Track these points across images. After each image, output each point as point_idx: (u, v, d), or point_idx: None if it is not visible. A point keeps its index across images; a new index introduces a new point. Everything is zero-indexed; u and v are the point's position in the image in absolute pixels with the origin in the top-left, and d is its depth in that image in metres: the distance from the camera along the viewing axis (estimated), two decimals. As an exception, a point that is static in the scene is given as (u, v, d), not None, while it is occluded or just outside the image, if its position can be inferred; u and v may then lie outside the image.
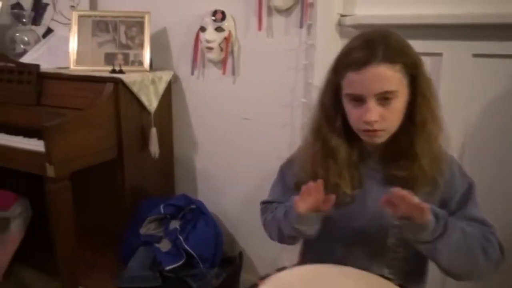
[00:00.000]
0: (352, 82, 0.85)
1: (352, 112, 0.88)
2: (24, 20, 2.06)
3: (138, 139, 1.77)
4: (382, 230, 0.92)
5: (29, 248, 1.82)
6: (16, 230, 1.68)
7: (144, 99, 1.73)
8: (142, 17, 1.81)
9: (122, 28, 1.80)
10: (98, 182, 1.75)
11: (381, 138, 0.88)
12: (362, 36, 0.89)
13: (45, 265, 1.82)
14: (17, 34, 2.05)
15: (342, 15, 1.58)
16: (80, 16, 1.80)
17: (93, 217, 1.78)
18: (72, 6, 2.06)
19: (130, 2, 1.94)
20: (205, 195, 1.97)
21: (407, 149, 0.88)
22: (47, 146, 1.39)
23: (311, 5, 1.57)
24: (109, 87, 1.62)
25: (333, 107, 0.92)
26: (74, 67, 1.76)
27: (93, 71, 1.73)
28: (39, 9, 2.16)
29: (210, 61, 1.82)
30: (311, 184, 0.86)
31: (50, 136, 1.38)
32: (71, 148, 1.47)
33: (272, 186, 1.14)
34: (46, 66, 1.85)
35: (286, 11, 1.64)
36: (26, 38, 2.06)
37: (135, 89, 1.67)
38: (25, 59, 1.91)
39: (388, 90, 0.83)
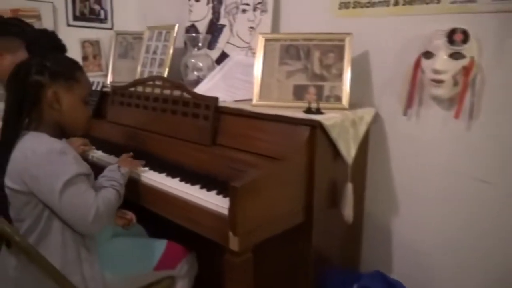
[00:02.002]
0: None
1: None
2: (199, 44, 1.87)
3: (329, 198, 1.37)
4: None
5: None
6: (180, 291, 1.43)
7: (342, 146, 1.32)
8: (342, 40, 1.42)
9: (316, 54, 1.43)
10: (274, 252, 1.39)
11: None
12: None
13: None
14: (192, 60, 1.87)
15: None
16: (267, 40, 1.49)
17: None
18: (251, 28, 1.79)
19: (318, 21, 1.57)
20: (404, 274, 1.47)
21: None
22: (233, 211, 1.07)
23: None
24: (305, 131, 1.25)
25: None
26: (257, 102, 1.45)
27: (279, 107, 1.39)
28: (214, 32, 1.96)
29: (435, 98, 1.33)
30: None
31: (239, 199, 1.05)
32: (260, 213, 1.12)
33: None
34: (222, 97, 1.59)
35: None
36: (200, 64, 1.86)
37: (334, 134, 1.27)
38: (199, 89, 1.69)
39: None
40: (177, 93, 1.64)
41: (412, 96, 1.36)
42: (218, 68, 1.80)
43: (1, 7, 1.99)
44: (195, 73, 1.88)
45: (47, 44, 1.26)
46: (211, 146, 1.48)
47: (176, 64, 1.98)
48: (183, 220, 1.26)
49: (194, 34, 1.95)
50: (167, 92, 1.70)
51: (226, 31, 1.92)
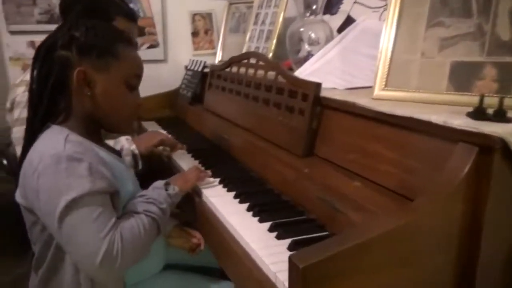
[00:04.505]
0: None
1: None
2: (314, 7, 1.33)
3: (507, 279, 0.71)
4: None
5: None
6: None
7: (548, 188, 0.64)
8: None
9: (505, 4, 0.76)
10: None
11: None
12: None
13: None
14: (301, 29, 1.34)
15: None
16: (408, -14, 0.87)
17: None
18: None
19: None
20: None
21: None
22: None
23: None
24: (468, 154, 0.62)
25: None
26: (381, 92, 0.86)
27: (421, 103, 0.78)
28: (338, -11, 1.39)
29: None
30: None
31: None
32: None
33: None
34: (333, 83, 1.05)
35: None
36: (312, 35, 1.33)
37: (532, 163, 0.61)
38: (303, 70, 1.17)
39: None
40: (271, 75, 1.17)
41: None
42: (336, 39, 1.24)
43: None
44: (307, 47, 1.36)
45: (83, 8, 0.92)
46: (304, 157, 0.97)
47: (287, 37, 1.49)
48: (236, 278, 0.80)
49: (310, -6, 1.41)
50: (262, 73, 1.24)
51: (354, -15, 1.33)
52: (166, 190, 0.92)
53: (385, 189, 0.75)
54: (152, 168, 1.39)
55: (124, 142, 1.21)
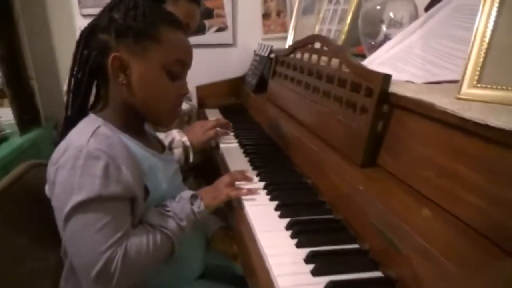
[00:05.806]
0: None
1: None
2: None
3: None
4: None
5: None
6: None
7: None
8: None
9: None
10: None
11: None
12: None
13: None
14: (378, 7, 1.11)
15: None
16: None
17: None
18: None
19: None
20: None
21: None
22: None
23: None
24: None
25: None
26: (470, 90, 0.63)
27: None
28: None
29: None
30: None
31: None
32: None
33: None
34: (415, 74, 0.83)
35: None
36: (392, 15, 1.10)
37: None
38: (373, 58, 0.95)
39: None
40: (336, 63, 0.98)
41: None
42: (420, 19, 0.99)
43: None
44: (385, 30, 1.13)
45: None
46: (363, 167, 0.77)
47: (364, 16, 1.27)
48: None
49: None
50: (326, 60, 1.05)
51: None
52: (192, 204, 0.80)
53: (464, 226, 0.54)
54: (206, 160, 1.30)
55: (175, 134, 1.12)
